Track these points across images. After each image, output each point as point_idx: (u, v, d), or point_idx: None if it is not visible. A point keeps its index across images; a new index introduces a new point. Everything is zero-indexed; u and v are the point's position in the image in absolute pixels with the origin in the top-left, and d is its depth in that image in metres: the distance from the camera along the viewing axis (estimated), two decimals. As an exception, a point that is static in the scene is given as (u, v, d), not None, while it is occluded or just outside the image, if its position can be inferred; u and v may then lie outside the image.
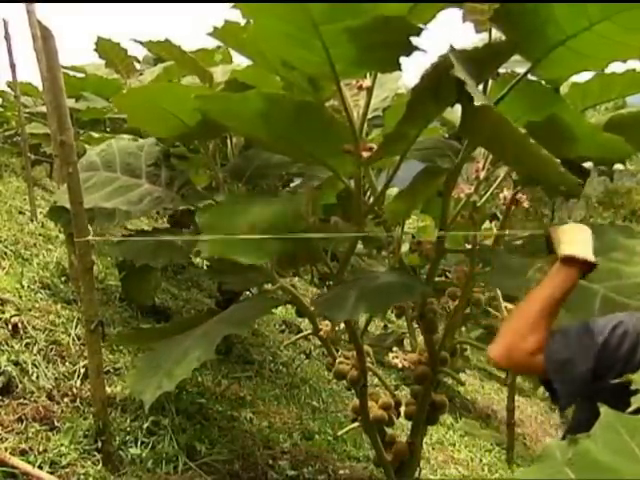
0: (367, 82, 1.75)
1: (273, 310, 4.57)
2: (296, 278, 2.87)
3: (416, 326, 2.25)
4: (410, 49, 1.42)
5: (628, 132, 1.86)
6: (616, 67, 1.74)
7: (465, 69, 1.31)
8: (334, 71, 1.54)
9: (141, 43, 3.93)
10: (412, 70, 1.50)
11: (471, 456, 4.12)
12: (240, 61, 2.67)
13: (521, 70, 1.63)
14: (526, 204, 2.13)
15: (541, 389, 6.22)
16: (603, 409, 0.65)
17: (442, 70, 1.27)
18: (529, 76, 1.67)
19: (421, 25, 1.45)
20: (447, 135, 2.30)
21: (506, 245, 1.98)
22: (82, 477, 2.03)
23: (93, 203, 2.07)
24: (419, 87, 1.40)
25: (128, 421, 2.41)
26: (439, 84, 1.35)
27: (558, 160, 1.33)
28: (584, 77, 1.91)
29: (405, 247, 2.19)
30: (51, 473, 1.98)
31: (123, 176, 2.16)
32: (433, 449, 3.92)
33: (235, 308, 2.09)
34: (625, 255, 1.46)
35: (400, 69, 1.53)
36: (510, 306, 2.53)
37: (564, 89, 1.95)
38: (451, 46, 1.34)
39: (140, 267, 2.82)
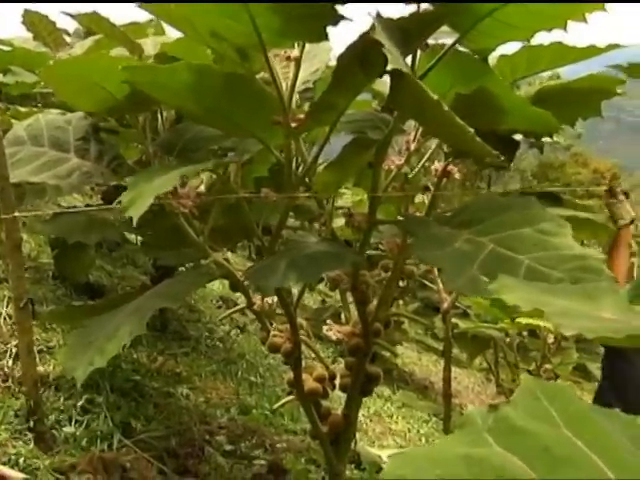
0: (295, 52, 1.74)
1: (210, 286, 4.56)
2: (229, 253, 2.86)
3: (351, 299, 2.26)
4: (336, 19, 1.42)
5: (556, 104, 1.90)
6: (543, 38, 1.77)
7: (392, 39, 1.31)
8: (261, 41, 1.53)
9: (70, 15, 3.85)
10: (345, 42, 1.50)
11: (408, 427, 4.18)
12: (173, 35, 2.63)
13: (450, 42, 1.64)
14: (457, 176, 2.15)
15: (477, 360, 6.34)
16: (523, 375, 0.66)
17: (369, 39, 1.27)
18: (459, 48, 1.69)
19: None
20: (379, 108, 2.30)
21: (436, 216, 2.00)
22: (13, 457, 2.01)
23: (20, 178, 2.03)
24: (346, 56, 1.40)
25: (62, 400, 2.39)
26: (366, 53, 1.35)
27: (472, 130, 1.34)
28: (512, 49, 1.93)
29: (341, 221, 2.20)
30: (-19, 454, 1.96)
31: (51, 150, 2.12)
32: (371, 421, 3.96)
33: (167, 283, 2.07)
34: (553, 226, 1.47)
35: (327, 39, 1.53)
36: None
37: (493, 61, 1.97)
38: (377, 14, 1.34)
39: (73, 244, 2.78)
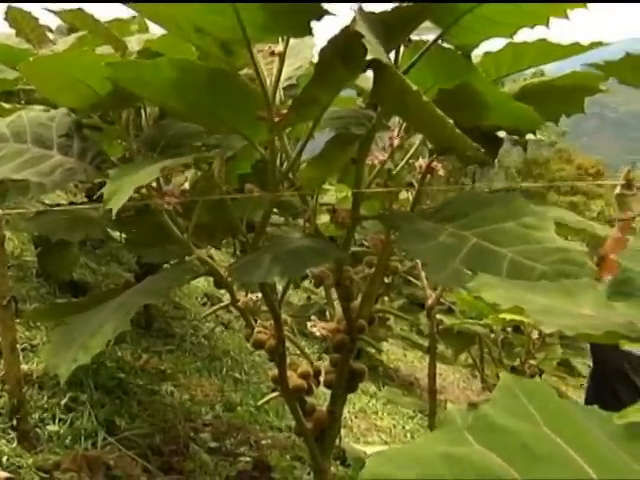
0: (279, 47, 1.74)
1: (195, 283, 4.56)
2: (214, 250, 2.87)
3: (335, 296, 2.26)
4: (320, 13, 1.42)
5: (539, 101, 1.91)
6: (526, 36, 1.78)
7: (374, 33, 1.31)
8: (245, 36, 1.53)
9: (53, 12, 3.83)
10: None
11: (394, 423, 4.19)
12: (157, 32, 2.63)
13: (433, 37, 1.64)
14: (441, 172, 2.15)
15: (462, 356, 6.36)
16: (502, 374, 0.66)
17: (350, 33, 1.27)
18: (442, 44, 1.69)
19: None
20: (364, 105, 2.30)
21: (419, 211, 2.00)
22: (-4, 456, 2.01)
23: (2, 175, 2.01)
24: (327, 50, 1.40)
25: (45, 398, 2.38)
26: (348, 47, 1.35)
27: (451, 121, 1.35)
28: (496, 45, 1.93)
29: (326, 218, 2.20)
30: (-36, 453, 1.95)
31: (34, 147, 2.10)
32: (356, 417, 3.97)
33: (151, 279, 2.07)
34: (536, 221, 1.48)
35: (311, 34, 1.53)
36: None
37: (478, 59, 1.97)
38: (359, 7, 1.34)
39: (57, 242, 2.78)
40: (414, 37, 1.68)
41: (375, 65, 1.40)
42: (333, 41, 1.38)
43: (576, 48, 1.91)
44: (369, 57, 1.25)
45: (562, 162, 26.62)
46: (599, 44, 1.92)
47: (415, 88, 1.29)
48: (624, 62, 1.74)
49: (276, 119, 1.64)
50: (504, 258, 1.34)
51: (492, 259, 1.35)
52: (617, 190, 2.48)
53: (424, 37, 1.67)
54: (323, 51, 1.42)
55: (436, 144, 2.04)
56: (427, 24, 1.59)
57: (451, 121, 1.35)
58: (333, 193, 3.49)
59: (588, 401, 2.67)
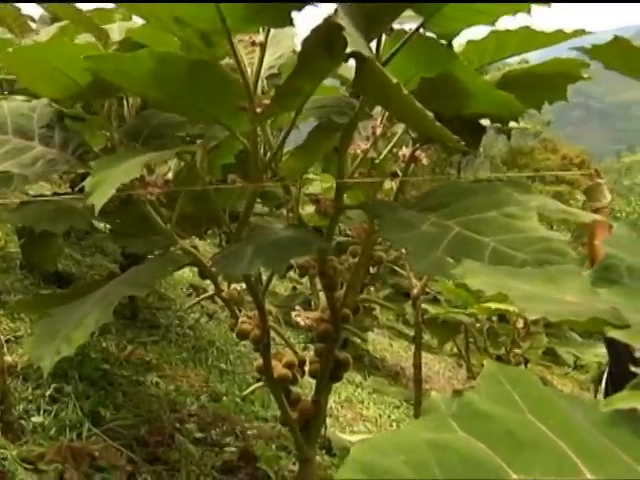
0: (260, 37, 1.73)
1: (180, 274, 4.55)
2: (199, 240, 2.86)
3: (320, 286, 2.26)
4: (301, 3, 1.42)
5: (521, 88, 1.91)
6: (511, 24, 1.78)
7: (355, 23, 1.31)
8: (225, 26, 1.53)
9: (35, 1, 3.80)
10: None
11: (379, 413, 4.21)
12: (140, 20, 2.61)
13: (414, 26, 1.64)
14: (425, 161, 2.15)
15: (447, 346, 6.37)
16: (486, 361, 0.66)
17: (333, 23, 1.27)
18: (424, 33, 1.69)
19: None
20: (347, 94, 2.30)
21: (402, 201, 2.00)
22: (-21, 448, 2.00)
23: (-17, 167, 2.00)
24: (310, 40, 1.39)
25: (30, 389, 2.38)
26: (331, 37, 1.34)
27: (432, 114, 1.35)
28: (479, 33, 1.93)
29: (311, 209, 2.20)
30: (-53, 445, 1.94)
31: (15, 138, 2.09)
32: (342, 407, 3.98)
33: (134, 270, 2.06)
34: (519, 210, 1.48)
35: (292, 24, 1.52)
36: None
37: (460, 47, 1.97)
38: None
39: (41, 233, 2.76)
40: (396, 26, 1.68)
41: (356, 56, 1.40)
42: (316, 30, 1.37)
43: (559, 36, 1.91)
44: (349, 50, 1.24)
45: (547, 152, 26.67)
46: (582, 32, 1.92)
47: (395, 81, 1.28)
48: (611, 46, 1.74)
49: (258, 109, 1.64)
50: (486, 247, 1.35)
51: (474, 248, 1.35)
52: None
53: (406, 26, 1.67)
54: (306, 41, 1.42)
55: (419, 133, 2.04)
56: (409, 13, 1.59)
57: (430, 114, 1.35)
58: (319, 183, 3.48)
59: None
